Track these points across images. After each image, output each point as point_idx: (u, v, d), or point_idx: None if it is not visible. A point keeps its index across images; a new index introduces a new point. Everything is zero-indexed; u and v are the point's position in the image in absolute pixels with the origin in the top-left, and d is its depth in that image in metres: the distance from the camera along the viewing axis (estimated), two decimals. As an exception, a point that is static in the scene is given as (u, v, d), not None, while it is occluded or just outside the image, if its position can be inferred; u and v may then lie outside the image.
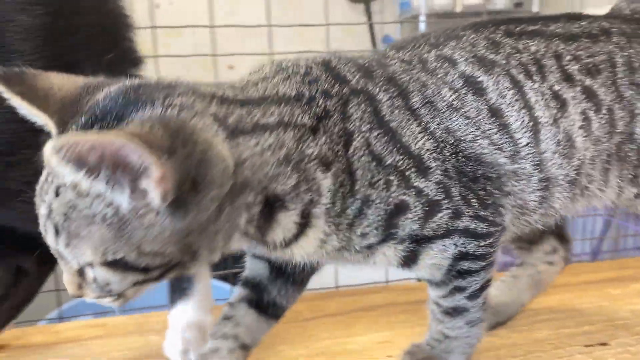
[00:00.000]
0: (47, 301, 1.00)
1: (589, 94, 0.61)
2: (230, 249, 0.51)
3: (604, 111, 0.61)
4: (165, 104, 0.45)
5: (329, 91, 0.52)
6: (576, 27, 0.64)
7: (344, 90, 0.53)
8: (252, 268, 0.64)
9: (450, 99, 0.56)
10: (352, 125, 0.52)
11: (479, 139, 0.56)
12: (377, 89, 0.54)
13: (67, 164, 0.40)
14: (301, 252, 0.54)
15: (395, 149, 0.52)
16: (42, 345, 0.79)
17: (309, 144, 0.50)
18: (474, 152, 0.55)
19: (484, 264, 0.57)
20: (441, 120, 0.55)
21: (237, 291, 0.64)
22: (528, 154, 0.58)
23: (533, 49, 0.61)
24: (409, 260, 0.56)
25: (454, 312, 0.60)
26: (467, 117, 0.56)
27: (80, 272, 0.47)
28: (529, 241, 0.78)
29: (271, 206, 0.50)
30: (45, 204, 0.45)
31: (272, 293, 0.64)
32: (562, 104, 0.59)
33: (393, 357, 0.69)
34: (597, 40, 0.63)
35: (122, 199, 0.43)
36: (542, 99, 0.58)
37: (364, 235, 0.54)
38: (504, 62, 0.59)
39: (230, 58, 1.01)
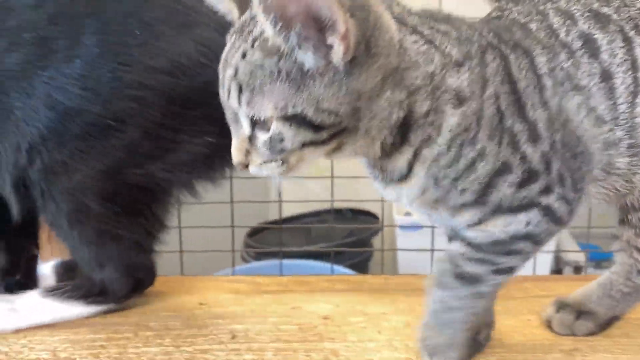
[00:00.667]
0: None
1: None
2: (374, 147, 0.53)
3: None
4: None
5: (470, 39, 0.55)
6: None
7: (482, 42, 0.55)
8: None
9: (566, 65, 0.55)
10: (488, 71, 0.53)
11: (585, 117, 0.55)
12: (508, 48, 0.55)
13: (265, 11, 0.45)
14: (407, 194, 0.56)
15: (517, 112, 0.53)
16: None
17: (452, 74, 0.52)
18: (579, 128, 0.55)
19: (538, 247, 0.58)
20: (559, 94, 0.55)
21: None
22: (624, 119, 0.56)
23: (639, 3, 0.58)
24: (476, 223, 0.56)
25: (468, 278, 0.58)
26: (580, 89, 0.55)
27: (251, 138, 0.51)
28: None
29: (404, 132, 0.53)
30: (231, 67, 0.50)
31: None
32: None
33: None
34: None
35: (308, 56, 0.47)
36: None
37: (463, 191, 0.54)
38: (615, 16, 0.57)
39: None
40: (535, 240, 0.56)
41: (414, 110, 0.52)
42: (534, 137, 0.54)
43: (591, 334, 0.69)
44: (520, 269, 0.59)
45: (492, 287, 0.59)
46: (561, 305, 0.71)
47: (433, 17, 0.56)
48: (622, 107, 0.56)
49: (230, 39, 0.51)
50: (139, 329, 0.72)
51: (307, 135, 0.50)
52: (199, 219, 1.02)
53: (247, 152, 0.52)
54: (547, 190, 0.55)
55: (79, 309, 0.73)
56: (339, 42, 0.46)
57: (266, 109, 0.49)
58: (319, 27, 0.46)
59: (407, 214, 1.67)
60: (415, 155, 0.53)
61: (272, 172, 0.53)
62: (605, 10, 0.57)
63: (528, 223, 0.55)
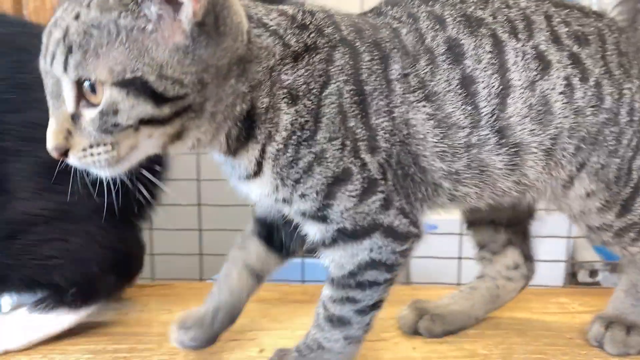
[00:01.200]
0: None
1: (576, 61, 0.56)
2: (219, 138, 0.51)
3: (592, 82, 0.56)
4: None
5: (322, 30, 0.52)
6: (568, 1, 0.60)
7: (335, 36, 0.52)
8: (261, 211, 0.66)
9: (421, 76, 0.54)
10: (333, 68, 0.51)
11: (430, 132, 0.54)
12: (363, 46, 0.53)
13: None
14: (257, 190, 0.54)
15: (360, 114, 0.51)
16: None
17: (286, 69, 0.50)
18: (419, 145, 0.54)
19: (389, 276, 0.55)
20: (404, 106, 0.53)
21: (251, 226, 0.66)
22: (489, 120, 0.55)
23: (523, 4, 0.58)
24: (326, 245, 0.54)
25: (337, 321, 0.56)
26: (430, 99, 0.53)
27: (74, 117, 0.45)
28: (492, 251, 0.74)
29: (249, 127, 0.50)
30: (59, 29, 0.44)
31: (281, 233, 0.63)
32: (545, 66, 0.55)
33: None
34: (588, 15, 0.60)
35: (152, 14, 0.44)
36: (522, 60, 0.55)
37: (303, 197, 0.52)
38: (490, 19, 0.56)
39: None
40: (384, 265, 0.54)
41: (255, 106, 0.50)
42: (372, 146, 0.52)
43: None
44: (382, 304, 0.57)
45: (361, 330, 0.56)
46: (608, 322, 0.67)
47: (293, 3, 0.54)
48: (486, 110, 0.54)
49: (59, 8, 0.46)
50: (163, 340, 0.69)
51: (146, 108, 0.44)
52: (214, 222, 1.00)
53: (69, 134, 0.45)
54: (387, 205, 0.53)
55: (68, 316, 0.68)
56: (190, 1, 0.43)
57: (100, 71, 0.43)
58: None
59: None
60: (262, 153, 0.51)
61: (97, 160, 0.45)
62: (479, 13, 0.56)
63: (371, 250, 0.53)
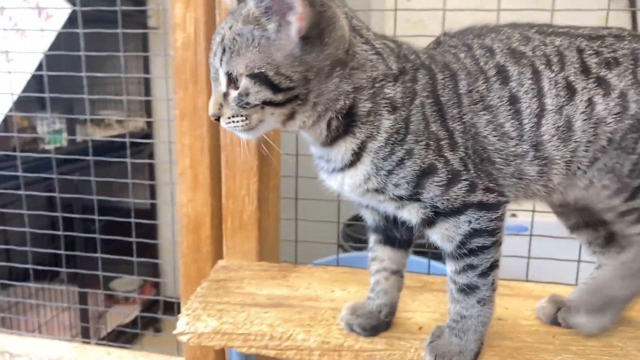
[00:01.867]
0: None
1: (601, 82, 0.66)
2: (320, 124, 0.66)
3: (615, 94, 0.66)
4: None
5: (408, 57, 0.68)
6: (603, 30, 0.70)
7: (417, 61, 0.68)
8: (369, 218, 0.80)
9: (480, 91, 0.67)
10: (418, 86, 0.66)
11: (491, 133, 0.67)
12: (437, 68, 0.68)
13: None
14: (349, 181, 0.68)
15: (439, 120, 0.66)
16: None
17: (389, 85, 0.65)
18: (484, 141, 0.67)
19: (494, 239, 0.67)
20: (472, 112, 0.67)
21: (371, 237, 0.81)
22: (529, 135, 0.67)
23: (557, 42, 0.69)
24: (427, 223, 0.68)
25: (467, 289, 0.68)
26: (489, 109, 0.67)
27: (225, 95, 0.65)
28: (600, 245, 0.82)
29: (348, 123, 0.65)
30: (220, 35, 0.64)
31: (393, 230, 0.77)
32: (572, 93, 0.67)
33: None
34: (623, 39, 0.69)
35: (272, 27, 0.61)
36: (554, 87, 0.67)
37: (396, 185, 0.66)
38: (530, 53, 0.68)
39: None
40: (486, 232, 0.66)
41: (357, 106, 0.65)
42: (453, 145, 0.66)
43: None
44: (498, 263, 0.68)
45: (489, 290, 0.68)
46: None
47: (386, 37, 0.70)
48: (527, 127, 0.67)
49: (224, 20, 0.66)
50: (335, 312, 0.84)
51: (267, 94, 0.62)
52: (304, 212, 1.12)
53: (221, 106, 0.65)
54: (472, 188, 0.65)
55: None
56: (296, 20, 0.60)
57: (239, 67, 0.62)
58: (285, 5, 0.60)
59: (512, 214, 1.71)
60: (362, 147, 0.66)
61: (236, 126, 0.65)
62: (521, 48, 0.68)
63: (470, 222, 0.66)
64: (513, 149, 0.68)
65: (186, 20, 0.98)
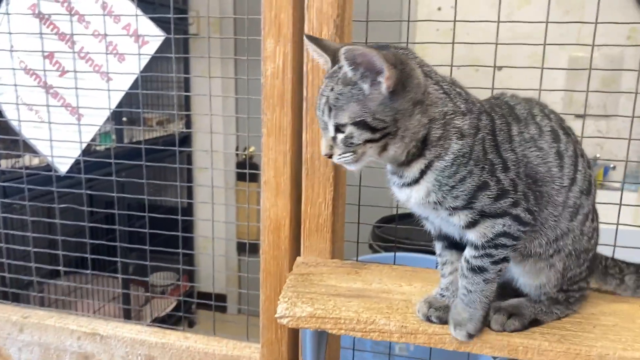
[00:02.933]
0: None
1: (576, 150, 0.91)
2: (404, 152, 0.83)
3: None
4: (395, 48, 0.85)
5: (475, 103, 0.86)
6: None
7: (481, 108, 0.86)
8: (430, 228, 0.96)
9: (533, 133, 0.87)
10: (481, 124, 0.84)
11: (541, 166, 0.86)
12: (496, 115, 0.87)
13: (346, 59, 0.78)
14: (415, 195, 0.85)
15: (495, 151, 0.83)
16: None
17: (459, 118, 0.83)
18: (535, 172, 0.86)
19: (514, 243, 0.85)
20: (523, 147, 0.86)
21: (437, 245, 0.97)
22: (562, 189, 0.87)
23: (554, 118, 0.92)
24: (471, 224, 0.85)
25: (478, 269, 0.86)
26: (541, 149, 0.86)
27: (334, 139, 0.82)
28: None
29: (422, 148, 0.82)
30: (324, 97, 0.82)
31: (457, 236, 0.91)
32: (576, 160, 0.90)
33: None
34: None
35: (366, 86, 0.79)
36: (583, 171, 0.90)
37: (456, 197, 0.82)
38: (573, 137, 0.92)
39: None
40: (512, 236, 0.84)
41: (430, 134, 0.82)
42: (505, 168, 0.83)
43: None
44: (509, 259, 0.86)
45: (494, 274, 0.86)
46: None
47: (452, 81, 0.87)
48: (567, 174, 0.87)
49: (325, 81, 0.84)
50: (408, 304, 1.00)
51: (367, 134, 0.80)
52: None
53: (331, 147, 0.83)
54: (515, 204, 0.83)
55: None
56: (385, 81, 0.78)
57: (344, 118, 0.80)
58: (375, 70, 0.77)
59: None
60: (428, 165, 0.82)
61: (345, 161, 0.82)
62: (566, 128, 0.92)
63: (504, 225, 0.84)
64: (554, 193, 0.87)
65: (276, 53, 1.15)
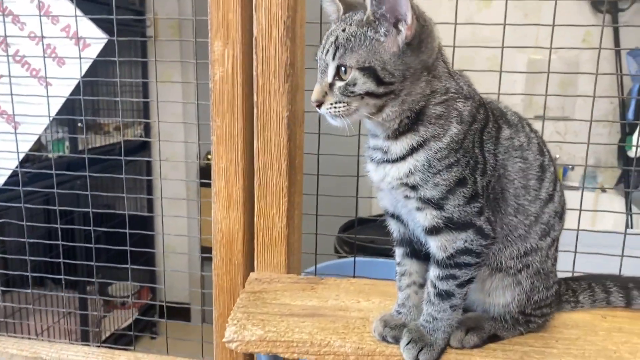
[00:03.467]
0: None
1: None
2: (397, 119, 0.78)
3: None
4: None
5: (477, 93, 0.84)
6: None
7: (480, 100, 0.83)
8: (394, 229, 0.90)
9: (523, 142, 0.84)
10: (478, 116, 0.80)
11: (517, 180, 0.83)
12: (491, 114, 0.83)
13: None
14: (393, 173, 0.79)
15: (480, 148, 0.79)
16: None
17: (461, 100, 0.79)
18: (507, 184, 0.83)
19: (478, 260, 0.81)
20: (508, 155, 0.82)
21: (398, 251, 0.91)
22: (540, 206, 0.85)
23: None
24: (434, 230, 0.79)
25: (445, 294, 0.81)
26: (525, 160, 0.83)
27: (330, 85, 0.76)
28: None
29: (414, 122, 0.77)
30: (333, 36, 0.76)
31: (419, 245, 0.86)
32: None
33: None
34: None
35: (383, 32, 0.74)
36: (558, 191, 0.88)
37: (436, 185, 0.77)
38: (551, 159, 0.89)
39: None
40: (474, 253, 0.80)
41: (428, 107, 0.77)
42: (483, 172, 0.79)
43: None
44: (474, 279, 0.82)
45: (460, 299, 0.82)
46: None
47: (458, 70, 0.83)
48: (546, 189, 0.85)
49: (334, 24, 0.79)
50: (367, 323, 0.95)
51: (371, 85, 0.74)
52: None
53: (324, 95, 0.76)
54: (480, 212, 0.79)
55: None
56: (405, 29, 0.73)
57: (351, 61, 0.74)
58: (398, 15, 0.73)
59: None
60: (422, 144, 0.77)
61: (336, 112, 0.75)
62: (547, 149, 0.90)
63: (466, 240, 0.79)
64: (527, 204, 0.83)
65: (225, 56, 1.08)
